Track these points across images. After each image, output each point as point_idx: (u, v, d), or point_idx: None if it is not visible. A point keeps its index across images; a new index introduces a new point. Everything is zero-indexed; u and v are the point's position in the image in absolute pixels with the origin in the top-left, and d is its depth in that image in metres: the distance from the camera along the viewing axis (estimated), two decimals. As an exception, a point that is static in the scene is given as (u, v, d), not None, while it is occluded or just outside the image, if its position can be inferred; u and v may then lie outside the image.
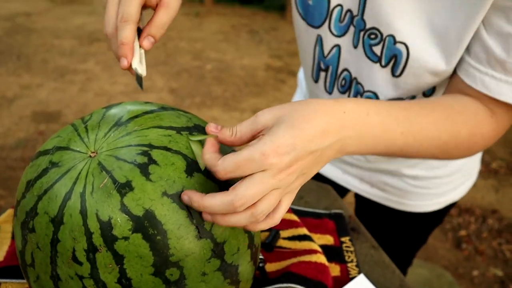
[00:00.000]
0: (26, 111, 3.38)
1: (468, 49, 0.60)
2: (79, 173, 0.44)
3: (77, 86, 3.91)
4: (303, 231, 0.75)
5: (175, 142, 0.46)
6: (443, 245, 2.65)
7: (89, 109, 3.40)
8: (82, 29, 5.30)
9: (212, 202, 0.41)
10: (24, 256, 0.47)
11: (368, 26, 0.66)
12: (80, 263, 0.42)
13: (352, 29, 0.69)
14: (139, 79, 0.53)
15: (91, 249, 0.41)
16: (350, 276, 0.70)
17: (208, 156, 0.44)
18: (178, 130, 0.48)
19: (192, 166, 0.45)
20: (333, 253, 0.74)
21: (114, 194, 0.42)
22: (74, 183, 0.43)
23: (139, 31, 0.55)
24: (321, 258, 0.68)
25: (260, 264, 0.66)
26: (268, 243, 0.71)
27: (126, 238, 0.41)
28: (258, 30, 5.14)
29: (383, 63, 0.68)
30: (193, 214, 0.43)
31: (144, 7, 0.56)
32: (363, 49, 0.69)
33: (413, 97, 0.71)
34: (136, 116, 0.49)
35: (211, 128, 0.46)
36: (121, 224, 0.41)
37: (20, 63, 4.24)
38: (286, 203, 0.45)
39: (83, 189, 0.43)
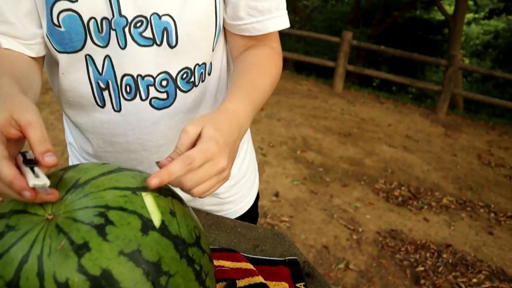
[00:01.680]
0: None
1: (228, 14, 0.82)
2: (37, 236, 0.45)
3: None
4: (259, 279, 0.77)
5: (130, 202, 0.48)
6: (403, 282, 2.71)
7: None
8: (36, 79, 5.23)
9: (172, 166, 0.53)
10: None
11: (130, 18, 0.72)
12: (37, 327, 0.43)
13: (113, 34, 0.73)
14: (44, 188, 0.48)
15: (49, 311, 0.42)
16: (306, 321, 0.73)
17: (159, 173, 0.53)
18: (134, 190, 0.50)
19: (147, 224, 0.48)
20: (289, 299, 0.77)
21: (72, 255, 0.44)
22: (31, 246, 0.45)
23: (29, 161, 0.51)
24: (277, 305, 0.71)
25: (218, 315, 0.68)
26: (225, 293, 0.73)
27: (83, 299, 0.43)
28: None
29: (157, 41, 0.75)
30: (149, 271, 0.45)
31: (15, 141, 0.52)
32: (134, 42, 0.74)
33: (196, 64, 0.81)
34: (93, 178, 0.51)
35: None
36: (79, 285, 0.43)
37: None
38: (219, 185, 0.62)
39: (41, 252, 0.44)
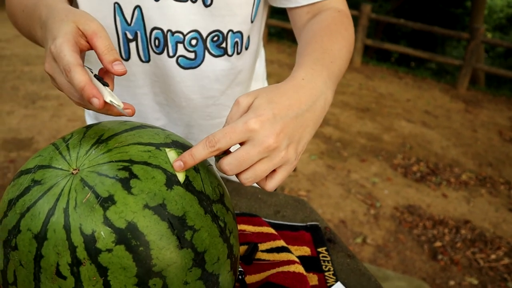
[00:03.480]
0: (-3, 139, 3.31)
1: None
2: (62, 189, 0.45)
3: (49, 112, 3.87)
4: (281, 243, 0.77)
5: (154, 157, 0.48)
6: (420, 257, 2.70)
7: (62, 135, 3.36)
8: (54, 55, 5.25)
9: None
10: (6, 275, 0.47)
11: None
12: (64, 278, 0.43)
13: None
14: (118, 109, 0.50)
15: (75, 263, 0.43)
16: (328, 285, 0.73)
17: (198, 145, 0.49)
18: (157, 146, 0.50)
19: (172, 179, 0.47)
20: (311, 263, 0.76)
21: (97, 208, 0.43)
22: (57, 199, 0.45)
23: (99, 79, 0.52)
24: (299, 268, 0.70)
25: (240, 277, 0.68)
26: (247, 256, 0.73)
27: (109, 250, 0.42)
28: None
29: None
30: (174, 224, 0.45)
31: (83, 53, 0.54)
32: None
33: (230, 31, 0.77)
34: (116, 134, 0.51)
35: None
36: (105, 237, 0.43)
37: (-10, 90, 4.17)
38: (281, 174, 0.51)
39: (66, 205, 0.44)
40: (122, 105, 0.49)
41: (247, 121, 0.47)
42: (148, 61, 0.79)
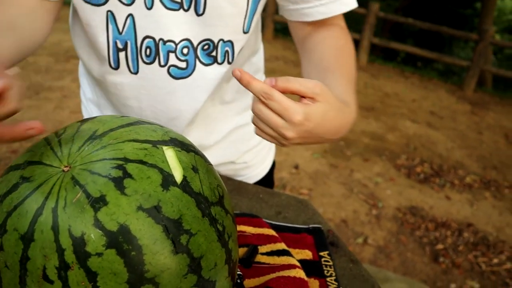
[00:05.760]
0: (-1, 129, 3.30)
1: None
2: (52, 188, 0.43)
3: (53, 103, 3.85)
4: (282, 246, 0.74)
5: (150, 155, 0.45)
6: (421, 259, 2.67)
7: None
8: (59, 46, 5.25)
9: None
10: (-8, 276, 0.45)
11: None
12: (51, 282, 0.41)
13: None
14: None
15: (63, 267, 0.40)
16: (329, 291, 0.70)
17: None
18: (154, 143, 0.47)
19: (168, 180, 0.44)
20: (312, 267, 0.74)
21: (88, 209, 0.41)
22: (46, 198, 0.42)
23: None
24: (300, 273, 0.68)
25: (238, 280, 0.65)
26: (246, 259, 0.70)
27: (99, 254, 0.40)
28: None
29: (185, 6, 0.71)
30: (169, 228, 0.42)
31: None
32: (161, 3, 0.70)
33: (221, 40, 0.77)
34: (112, 130, 0.48)
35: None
36: (95, 240, 0.40)
37: (-7, 79, 4.15)
38: (271, 138, 0.60)
39: (55, 204, 0.41)
40: None
41: (296, 112, 0.54)
42: (136, 72, 0.77)
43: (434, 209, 3.18)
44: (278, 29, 7.64)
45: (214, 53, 0.78)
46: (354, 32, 6.89)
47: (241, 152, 0.98)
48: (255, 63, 0.94)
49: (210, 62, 0.79)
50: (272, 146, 1.10)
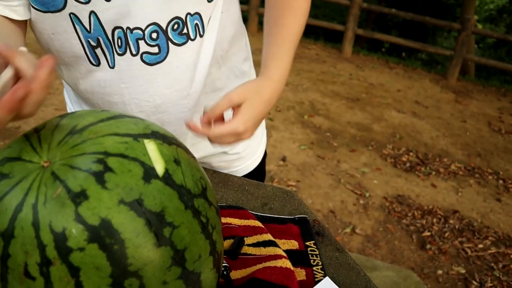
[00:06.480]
0: (-19, 127, 3.24)
1: None
2: (31, 183, 0.42)
3: (36, 100, 3.79)
4: (268, 237, 0.75)
5: (131, 149, 0.45)
6: (408, 246, 2.71)
7: (48, 124, 3.30)
8: (40, 42, 5.15)
9: (206, 131, 0.71)
10: (-27, 274, 0.44)
11: None
12: (33, 278, 0.40)
13: None
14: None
15: (45, 263, 0.40)
16: (316, 280, 0.71)
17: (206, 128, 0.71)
18: (135, 137, 0.47)
19: (150, 173, 0.44)
20: (298, 257, 0.74)
21: (68, 204, 0.40)
22: (26, 194, 0.42)
23: None
24: (286, 263, 0.68)
25: (225, 272, 0.65)
26: (232, 250, 0.71)
27: (81, 249, 0.40)
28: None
29: None
30: (151, 221, 0.42)
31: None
32: None
33: (188, 14, 0.76)
34: (92, 124, 0.47)
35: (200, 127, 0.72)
36: (76, 235, 0.40)
37: (-27, 77, 4.06)
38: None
39: (36, 200, 0.41)
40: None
41: (244, 125, 0.71)
42: (113, 67, 0.77)
43: (420, 197, 3.22)
44: (262, 22, 7.59)
45: (185, 30, 0.77)
46: (338, 24, 6.90)
47: None
48: (243, 48, 0.94)
49: (183, 41, 0.78)
50: (263, 136, 1.10)
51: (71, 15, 0.70)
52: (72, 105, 0.96)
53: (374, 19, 10.64)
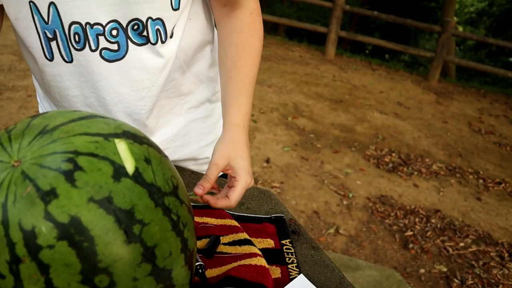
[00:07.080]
0: (-40, 132, 3.19)
1: None
2: (1, 182, 0.43)
3: (17, 103, 3.75)
4: (244, 236, 0.76)
5: (102, 148, 0.46)
6: (391, 246, 2.74)
7: (29, 127, 3.26)
8: (21, 45, 5.08)
9: (218, 203, 0.76)
10: None
11: None
12: (3, 277, 0.41)
13: None
14: None
15: (14, 261, 0.40)
16: (291, 277, 0.72)
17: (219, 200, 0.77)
18: (106, 136, 0.47)
19: (120, 171, 0.45)
20: (274, 255, 0.75)
21: (38, 202, 0.41)
22: (-5, 193, 0.42)
23: None
24: (261, 261, 0.69)
25: (200, 270, 0.66)
26: (208, 249, 0.71)
27: (51, 247, 0.40)
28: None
29: None
30: (121, 218, 0.43)
31: None
32: None
33: (149, 18, 0.75)
34: (63, 124, 0.48)
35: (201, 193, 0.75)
36: (46, 233, 0.40)
37: (-48, 81, 4.01)
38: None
39: (5, 199, 0.41)
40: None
41: (249, 174, 0.78)
42: (71, 61, 0.76)
43: (403, 197, 3.26)
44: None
45: (145, 33, 0.77)
46: (322, 26, 6.95)
47: (201, 147, 0.98)
48: (209, 55, 0.93)
49: (143, 42, 0.78)
50: None
51: (31, 3, 0.70)
52: (41, 102, 0.95)
53: (357, 21, 10.75)
